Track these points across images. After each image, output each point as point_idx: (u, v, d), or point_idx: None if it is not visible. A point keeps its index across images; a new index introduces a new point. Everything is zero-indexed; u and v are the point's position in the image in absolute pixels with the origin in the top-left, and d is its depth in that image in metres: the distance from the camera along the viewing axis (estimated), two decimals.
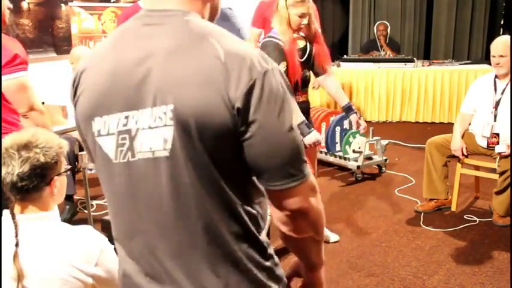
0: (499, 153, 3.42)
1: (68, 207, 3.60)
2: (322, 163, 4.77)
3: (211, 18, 1.06)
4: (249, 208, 0.99)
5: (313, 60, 3.06)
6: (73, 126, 3.15)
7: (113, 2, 5.60)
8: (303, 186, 0.96)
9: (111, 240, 1.55)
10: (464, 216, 3.67)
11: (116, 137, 0.98)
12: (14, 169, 1.41)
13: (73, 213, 3.64)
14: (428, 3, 8.52)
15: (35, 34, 4.86)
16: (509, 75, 3.49)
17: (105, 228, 3.25)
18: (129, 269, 1.05)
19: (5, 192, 1.46)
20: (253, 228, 1.00)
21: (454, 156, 3.67)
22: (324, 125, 4.99)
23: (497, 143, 3.46)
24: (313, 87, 3.71)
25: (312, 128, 2.90)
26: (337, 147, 4.86)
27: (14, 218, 1.44)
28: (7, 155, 1.42)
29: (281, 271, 1.07)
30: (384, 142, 5.21)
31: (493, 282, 2.80)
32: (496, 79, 3.56)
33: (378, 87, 6.72)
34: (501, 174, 3.42)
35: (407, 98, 6.69)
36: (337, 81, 3.33)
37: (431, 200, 3.77)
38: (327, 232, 3.19)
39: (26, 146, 1.44)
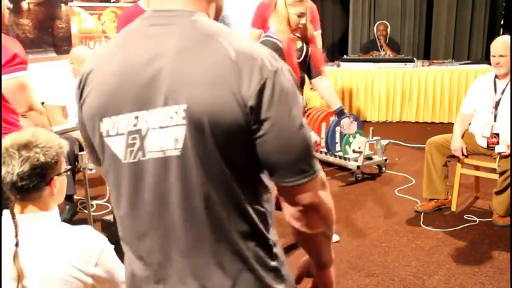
0: (499, 153, 3.42)
1: (68, 207, 3.60)
2: (322, 163, 4.77)
3: (215, 18, 1.07)
4: (257, 206, 1.00)
5: (309, 61, 3.06)
6: (73, 126, 3.15)
7: (113, 2, 5.60)
8: (314, 182, 0.98)
9: (111, 240, 1.55)
10: (464, 216, 3.66)
11: (126, 137, 0.98)
12: (14, 169, 1.41)
13: (73, 213, 3.64)
14: (428, 3, 8.52)
15: (35, 34, 4.86)
16: (509, 75, 3.49)
17: (105, 228, 3.25)
18: (137, 269, 1.06)
19: (5, 191, 1.46)
20: (261, 226, 1.01)
21: (454, 156, 3.67)
22: (324, 125, 4.99)
23: (497, 143, 3.46)
24: (311, 88, 3.72)
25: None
26: (337, 147, 4.85)
27: (14, 217, 1.44)
28: (7, 155, 1.43)
29: (286, 271, 1.08)
30: (384, 142, 5.22)
31: (493, 282, 2.80)
32: (496, 79, 3.56)
33: (378, 87, 6.72)
34: (501, 174, 3.42)
35: (407, 98, 6.69)
36: (331, 84, 3.33)
37: (431, 200, 3.77)
38: None
39: (26, 146, 1.44)
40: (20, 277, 1.38)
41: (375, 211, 3.83)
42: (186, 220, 0.97)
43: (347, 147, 4.67)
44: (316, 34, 4.15)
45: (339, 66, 6.90)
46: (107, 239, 1.54)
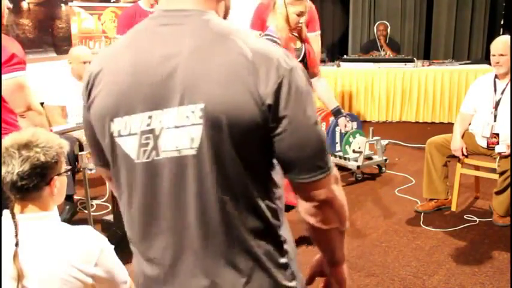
0: (499, 153, 3.42)
1: (68, 207, 3.60)
2: None
3: (224, 17, 1.07)
4: (269, 202, 1.01)
5: (306, 61, 3.07)
6: (73, 126, 3.15)
7: (113, 2, 5.60)
8: (329, 177, 1.01)
9: (111, 240, 1.55)
10: (464, 216, 3.66)
11: (139, 137, 0.98)
12: (14, 168, 1.41)
13: (73, 213, 3.64)
14: (428, 3, 8.52)
15: (35, 34, 4.86)
16: (509, 75, 3.49)
17: (105, 228, 3.26)
18: (147, 269, 1.06)
19: (5, 191, 1.46)
20: (273, 223, 1.03)
21: (454, 156, 3.67)
22: (323, 125, 4.99)
23: (497, 143, 3.46)
24: None
25: None
26: (337, 147, 4.85)
27: (14, 217, 1.44)
28: (7, 154, 1.43)
29: (296, 267, 1.09)
30: (384, 142, 5.22)
31: (493, 282, 2.80)
32: (496, 79, 3.56)
33: (378, 87, 6.72)
34: (501, 174, 3.42)
35: (407, 98, 6.69)
36: (327, 84, 3.34)
37: (431, 200, 3.77)
38: None
39: (27, 146, 1.44)
40: (20, 277, 1.38)
41: (375, 211, 3.83)
42: (199, 218, 0.98)
43: (347, 147, 4.67)
44: (316, 35, 4.16)
45: (339, 66, 6.90)
46: (106, 239, 1.54)
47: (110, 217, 3.28)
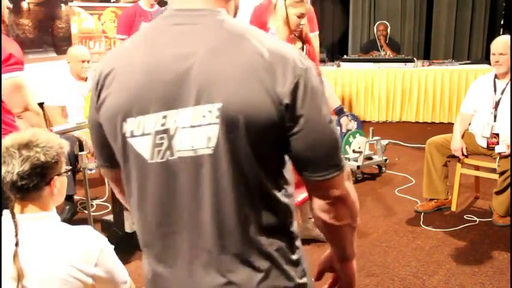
0: (499, 153, 3.42)
1: (68, 207, 3.60)
2: None
3: (233, 17, 1.07)
4: (283, 199, 1.03)
5: None
6: (73, 126, 3.15)
7: (113, 2, 5.60)
8: (342, 175, 1.02)
9: (111, 240, 1.55)
10: (464, 216, 3.66)
11: (153, 137, 0.98)
12: (14, 168, 1.42)
13: (73, 213, 3.64)
14: (428, 3, 8.52)
15: (35, 34, 4.86)
16: (508, 75, 3.49)
17: (105, 228, 3.26)
18: (161, 268, 1.06)
19: (5, 191, 1.46)
20: (287, 220, 1.05)
21: (454, 156, 3.67)
22: None
23: (497, 143, 3.46)
24: None
25: None
26: None
27: (14, 217, 1.44)
28: (7, 154, 1.43)
29: (306, 263, 1.11)
30: (384, 142, 5.21)
31: (493, 282, 2.80)
32: (496, 79, 3.56)
33: (378, 87, 6.71)
34: (501, 174, 3.42)
35: (407, 98, 6.69)
36: (329, 84, 3.34)
37: (431, 200, 3.77)
38: None
39: (27, 145, 1.44)
40: (20, 277, 1.38)
41: (375, 211, 3.83)
42: (214, 217, 0.98)
43: (347, 147, 4.67)
44: (314, 35, 4.15)
45: (339, 66, 6.90)
46: (106, 239, 1.54)
47: (110, 217, 3.28)
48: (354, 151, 4.67)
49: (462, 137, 3.62)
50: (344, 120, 3.28)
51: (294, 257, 1.06)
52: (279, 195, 1.02)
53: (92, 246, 1.47)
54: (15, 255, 1.39)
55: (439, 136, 3.77)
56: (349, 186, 1.05)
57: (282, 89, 0.92)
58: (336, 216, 1.06)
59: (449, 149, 3.64)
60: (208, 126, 0.93)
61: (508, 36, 3.51)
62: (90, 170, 3.33)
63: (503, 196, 3.44)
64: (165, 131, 0.97)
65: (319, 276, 1.27)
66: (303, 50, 3.01)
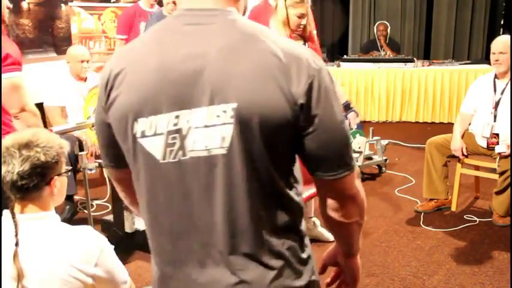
0: (499, 153, 3.42)
1: (68, 207, 3.60)
2: None
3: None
4: (294, 197, 1.03)
5: None
6: (73, 126, 3.15)
7: (113, 2, 5.60)
8: (353, 173, 1.04)
9: (111, 240, 1.55)
10: (464, 216, 3.66)
11: (165, 137, 0.97)
12: (14, 168, 1.42)
13: (73, 213, 3.64)
14: (428, 3, 8.52)
15: (35, 34, 4.87)
16: (508, 75, 3.49)
17: (105, 228, 3.26)
18: (170, 269, 1.06)
19: (5, 191, 1.47)
20: (297, 218, 1.05)
21: (454, 156, 3.67)
22: None
23: (497, 143, 3.46)
24: None
25: None
26: None
27: (14, 217, 1.44)
28: (8, 154, 1.43)
29: (314, 262, 1.11)
30: (384, 142, 5.21)
31: (493, 282, 2.80)
32: (496, 79, 3.56)
33: (378, 87, 6.71)
34: (501, 174, 3.42)
35: (407, 98, 6.69)
36: (335, 80, 3.33)
37: (431, 200, 3.77)
38: (326, 232, 3.19)
39: (27, 145, 1.44)
40: (19, 277, 1.38)
41: (375, 211, 3.83)
42: (226, 217, 0.98)
43: None
44: None
45: (339, 66, 6.90)
46: (106, 239, 1.54)
47: (110, 217, 3.28)
48: (354, 151, 4.67)
49: (462, 137, 3.62)
50: (352, 115, 3.27)
51: (304, 255, 1.07)
52: (291, 193, 1.03)
53: (92, 246, 1.47)
54: (15, 255, 1.39)
55: (439, 136, 3.77)
56: (358, 184, 1.06)
57: (297, 89, 0.93)
58: (345, 214, 1.08)
59: (449, 149, 3.64)
60: (222, 126, 0.94)
61: (508, 36, 3.51)
62: (90, 170, 3.32)
63: (503, 196, 3.44)
64: (178, 131, 0.96)
65: (322, 270, 1.29)
66: None
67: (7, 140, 1.46)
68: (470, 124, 3.68)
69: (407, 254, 3.14)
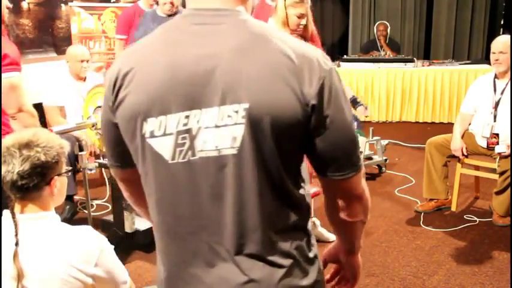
0: (499, 154, 3.42)
1: (68, 207, 3.60)
2: None
3: None
4: (303, 197, 1.04)
5: None
6: (73, 126, 3.14)
7: (113, 2, 5.60)
8: (361, 173, 1.05)
9: (111, 240, 1.55)
10: (464, 216, 3.66)
11: (175, 137, 0.97)
12: (14, 167, 1.42)
13: (73, 213, 3.64)
14: (428, 3, 8.52)
15: (35, 34, 4.87)
16: (508, 75, 3.49)
17: (105, 228, 3.26)
18: (177, 269, 1.05)
19: (5, 191, 1.47)
20: (305, 218, 1.06)
21: (454, 156, 3.67)
22: None
23: (497, 143, 3.46)
24: None
25: None
26: None
27: (14, 217, 1.44)
28: (8, 154, 1.43)
29: (320, 262, 1.12)
30: (384, 142, 5.21)
31: (493, 282, 2.80)
32: (496, 79, 3.56)
33: (378, 87, 6.72)
34: (501, 174, 3.42)
35: (407, 98, 6.69)
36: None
37: (431, 200, 3.77)
38: (326, 232, 3.19)
39: (27, 145, 1.44)
40: (19, 277, 1.38)
41: (375, 211, 3.83)
42: (236, 217, 0.98)
43: None
44: None
45: (339, 66, 6.90)
46: (106, 239, 1.54)
47: (110, 217, 3.28)
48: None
49: (462, 137, 3.62)
50: (361, 109, 3.27)
51: (311, 254, 1.07)
52: (300, 193, 1.03)
53: (92, 246, 1.47)
54: (15, 255, 1.39)
55: (439, 136, 3.77)
56: (364, 184, 1.08)
57: (309, 90, 0.93)
58: (350, 214, 1.09)
59: (449, 149, 3.64)
60: (234, 126, 0.93)
61: (508, 36, 3.51)
62: (90, 170, 3.32)
63: (503, 196, 3.44)
64: (187, 131, 0.96)
65: (323, 266, 1.29)
66: None
67: (7, 140, 1.46)
68: (470, 124, 3.68)
69: (407, 254, 3.14)
